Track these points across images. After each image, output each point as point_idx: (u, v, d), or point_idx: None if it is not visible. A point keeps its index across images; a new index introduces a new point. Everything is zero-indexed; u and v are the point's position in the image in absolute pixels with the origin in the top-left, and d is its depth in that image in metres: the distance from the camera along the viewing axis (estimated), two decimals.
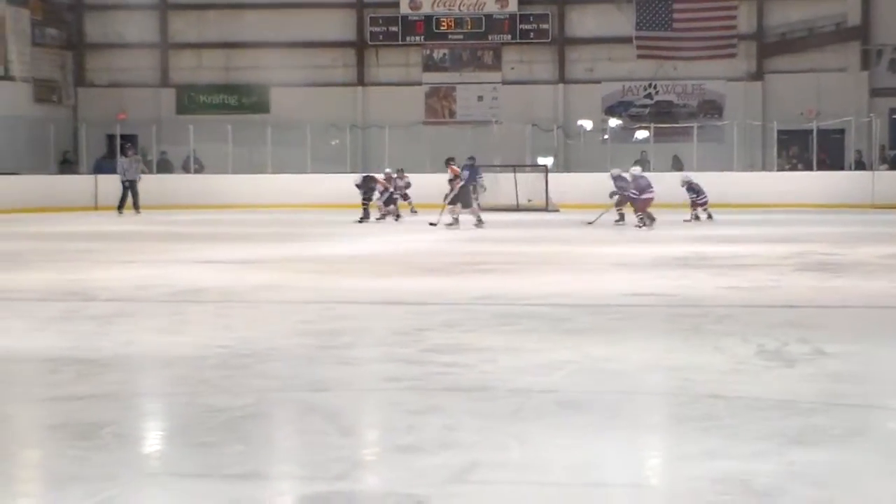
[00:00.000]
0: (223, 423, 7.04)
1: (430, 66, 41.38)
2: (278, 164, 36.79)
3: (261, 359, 9.31)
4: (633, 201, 25.63)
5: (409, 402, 7.62)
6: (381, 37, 41.39)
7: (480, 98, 41.26)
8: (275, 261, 17.83)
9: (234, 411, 7.31)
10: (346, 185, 31.75)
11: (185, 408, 7.61)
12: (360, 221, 27.55)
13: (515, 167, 33.85)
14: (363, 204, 28.10)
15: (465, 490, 5.65)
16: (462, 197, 25.83)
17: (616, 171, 27.07)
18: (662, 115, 40.37)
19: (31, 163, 36.54)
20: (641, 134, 39.64)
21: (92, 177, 35.85)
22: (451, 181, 26.30)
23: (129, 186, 32.60)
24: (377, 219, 28.10)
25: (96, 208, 34.04)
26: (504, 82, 41.11)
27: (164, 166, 38.80)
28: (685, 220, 27.49)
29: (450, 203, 25.99)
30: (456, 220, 25.63)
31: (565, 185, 34.70)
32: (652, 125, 39.17)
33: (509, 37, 41.05)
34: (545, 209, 32.79)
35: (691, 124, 38.92)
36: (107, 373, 8.73)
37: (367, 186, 28.37)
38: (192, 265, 17.26)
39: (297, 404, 7.69)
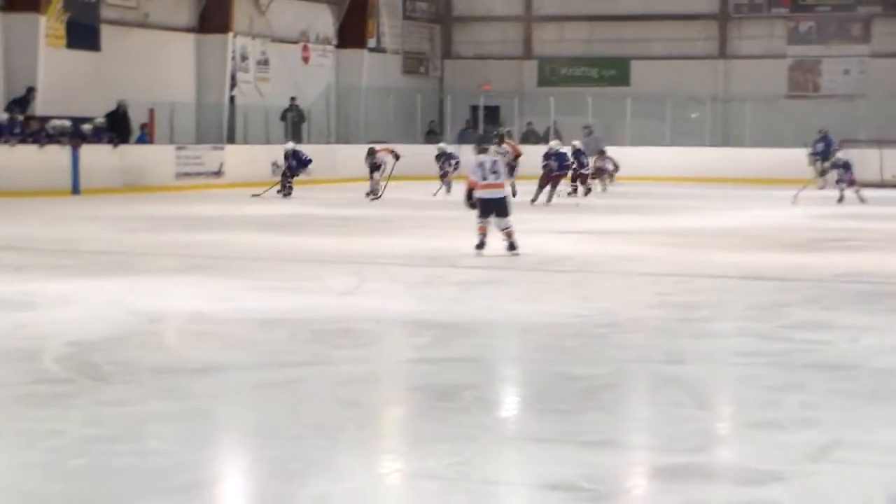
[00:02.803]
0: (580, 390, 7.13)
1: (794, 38, 40.34)
2: (637, 136, 36.67)
3: (618, 329, 9.37)
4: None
5: (768, 378, 7.53)
6: (745, 9, 40.63)
7: (847, 72, 39.97)
8: (633, 232, 17.85)
9: (592, 380, 7.40)
10: (706, 157, 31.47)
11: (542, 374, 7.75)
12: (283, 194, 25.74)
13: (881, 143, 32.71)
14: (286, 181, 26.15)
15: (824, 469, 5.55)
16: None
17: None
18: None
19: (400, 132, 37.63)
20: None
21: (455, 146, 36.59)
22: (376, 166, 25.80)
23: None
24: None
25: (458, 178, 34.78)
26: (873, 55, 39.71)
27: (529, 137, 39.25)
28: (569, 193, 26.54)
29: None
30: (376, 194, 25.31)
31: None
32: None
33: (880, 8, 39.59)
34: None
35: None
36: (468, 337, 8.96)
37: (297, 159, 26.26)
38: (552, 235, 17.45)
39: (653, 375, 7.71)
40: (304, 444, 5.81)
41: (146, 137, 28.42)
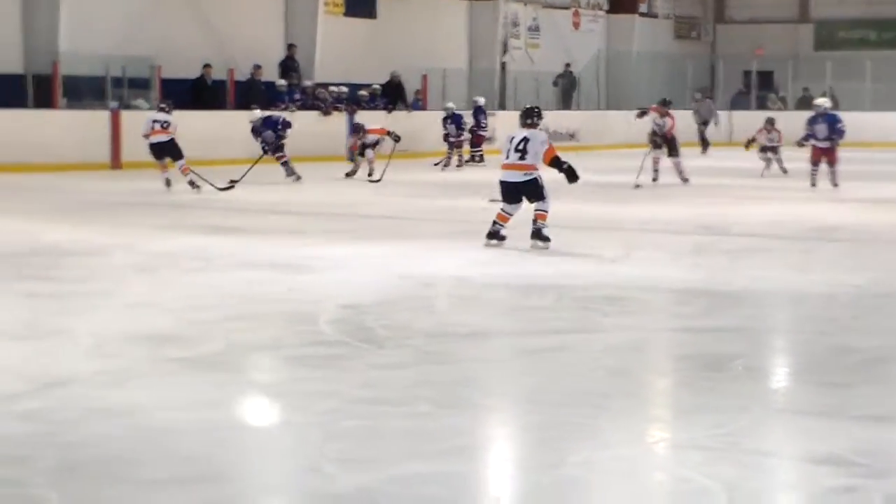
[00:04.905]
0: (853, 363, 6.97)
1: None
2: None
3: (894, 299, 9.12)
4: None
5: None
6: None
7: None
8: None
9: (866, 352, 7.22)
10: None
11: (813, 346, 7.60)
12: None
13: None
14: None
15: None
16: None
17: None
18: None
19: (671, 99, 37.23)
20: None
21: (726, 112, 36.05)
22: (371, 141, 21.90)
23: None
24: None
25: (730, 143, 34.32)
26: None
27: (805, 103, 38.36)
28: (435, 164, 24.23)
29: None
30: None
31: None
32: None
33: None
34: None
35: None
36: (737, 307, 8.86)
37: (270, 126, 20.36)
38: (824, 202, 17.08)
39: None
40: (569, 411, 5.84)
41: (419, 104, 28.90)
